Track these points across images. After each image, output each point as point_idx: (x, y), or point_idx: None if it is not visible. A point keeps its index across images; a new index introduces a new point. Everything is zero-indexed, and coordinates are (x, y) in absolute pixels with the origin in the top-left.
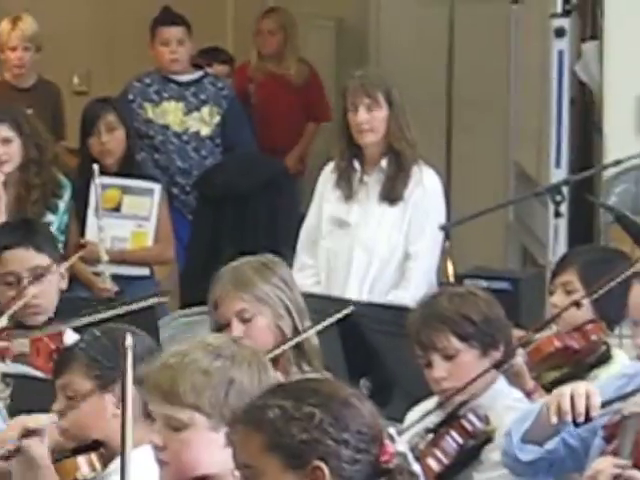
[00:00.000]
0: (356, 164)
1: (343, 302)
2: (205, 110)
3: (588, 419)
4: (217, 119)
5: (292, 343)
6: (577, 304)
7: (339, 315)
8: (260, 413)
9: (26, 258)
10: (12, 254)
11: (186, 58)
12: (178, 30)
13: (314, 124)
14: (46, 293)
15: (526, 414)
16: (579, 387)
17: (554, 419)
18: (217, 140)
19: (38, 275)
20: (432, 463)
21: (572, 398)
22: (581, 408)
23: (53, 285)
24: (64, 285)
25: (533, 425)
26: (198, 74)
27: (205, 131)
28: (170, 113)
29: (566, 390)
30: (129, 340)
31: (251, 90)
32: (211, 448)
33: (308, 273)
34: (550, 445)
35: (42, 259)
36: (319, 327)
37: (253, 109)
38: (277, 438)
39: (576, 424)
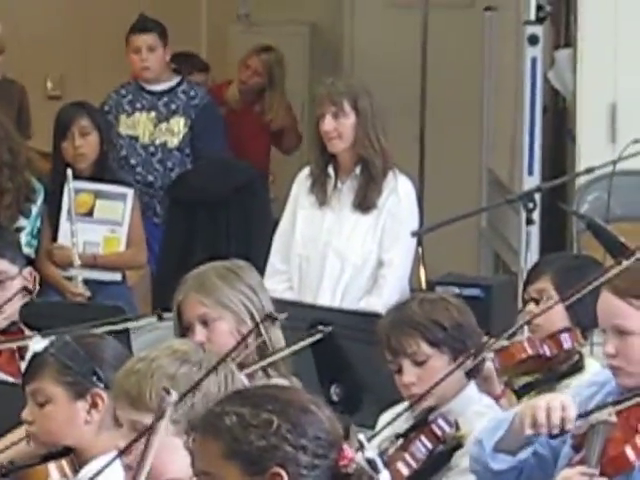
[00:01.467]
0: (330, 171)
1: (314, 308)
2: (173, 121)
3: (563, 431)
4: (185, 130)
5: (263, 363)
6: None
7: (313, 339)
8: (218, 420)
9: None
10: None
11: (158, 66)
12: (148, 37)
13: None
14: (5, 298)
15: (498, 423)
16: (555, 399)
17: (529, 431)
18: (186, 150)
19: None
20: (401, 467)
21: (547, 410)
22: (556, 421)
23: (14, 290)
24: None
25: (506, 435)
26: (175, 81)
27: (173, 143)
28: (141, 124)
29: (541, 402)
30: (171, 399)
31: (222, 112)
32: (175, 453)
33: (280, 279)
34: (523, 455)
35: (3, 265)
36: (293, 349)
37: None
38: (235, 445)
39: (551, 436)
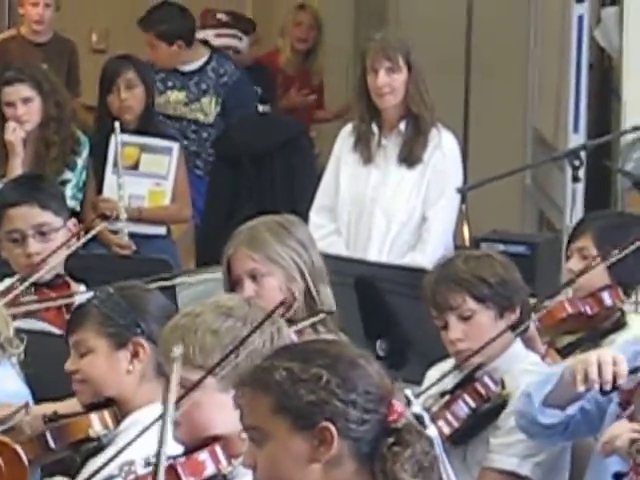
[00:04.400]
0: (374, 127)
1: (361, 264)
2: (204, 100)
3: (615, 387)
4: (217, 109)
5: (312, 321)
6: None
7: (314, 319)
8: (267, 375)
9: (31, 215)
10: (17, 211)
11: (171, 61)
12: (149, 36)
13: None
14: (51, 250)
15: (547, 377)
16: (606, 354)
17: (581, 387)
18: (220, 125)
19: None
20: (443, 426)
21: (599, 366)
22: (608, 376)
23: (59, 242)
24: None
25: (555, 389)
26: (204, 59)
27: (206, 120)
28: (172, 103)
29: (593, 357)
30: (177, 351)
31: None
32: (221, 409)
33: (321, 234)
34: (571, 410)
35: (47, 216)
36: (307, 323)
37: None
38: (284, 400)
39: (603, 392)
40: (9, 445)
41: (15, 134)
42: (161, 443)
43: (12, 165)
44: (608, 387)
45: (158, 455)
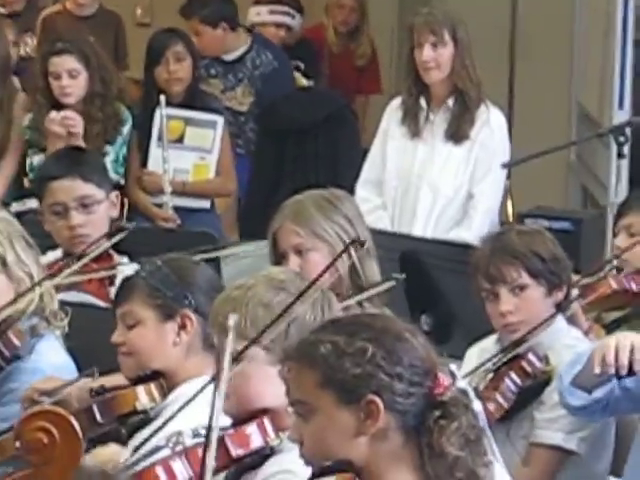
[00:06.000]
0: (422, 102)
1: (407, 239)
2: (239, 90)
3: (631, 372)
4: (251, 99)
5: (357, 299)
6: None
7: (382, 287)
8: (313, 349)
9: (73, 188)
10: (59, 184)
11: (217, 47)
12: (193, 23)
13: (364, 96)
14: (93, 222)
15: (578, 357)
16: (625, 339)
17: (597, 369)
18: (255, 112)
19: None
20: (493, 408)
21: (616, 350)
22: (624, 361)
23: (101, 214)
24: (115, 214)
25: (582, 371)
26: (243, 49)
27: (241, 108)
28: (210, 89)
29: (612, 342)
30: (232, 320)
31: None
32: (270, 382)
33: (367, 207)
34: (598, 393)
35: (89, 189)
36: (363, 297)
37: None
38: (330, 374)
39: (619, 376)
40: (64, 416)
41: (58, 127)
42: (213, 413)
43: (52, 147)
44: (623, 372)
45: (209, 427)
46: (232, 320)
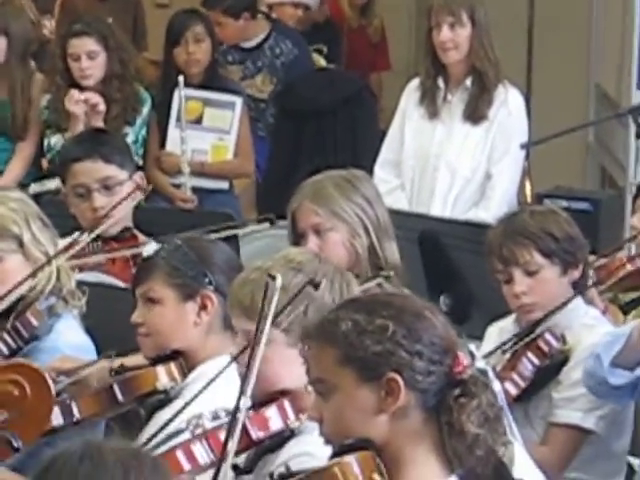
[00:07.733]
0: (440, 82)
1: (425, 219)
2: (259, 78)
3: None
4: (271, 87)
5: (372, 284)
6: None
7: (375, 281)
8: (333, 327)
9: (95, 169)
10: (81, 166)
11: (239, 37)
12: (215, 15)
13: (377, 74)
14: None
15: (616, 337)
16: None
17: None
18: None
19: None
20: (510, 387)
21: None
22: None
23: (124, 195)
24: (140, 196)
25: (623, 349)
26: (262, 37)
27: (261, 96)
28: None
29: None
30: (278, 283)
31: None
32: (289, 364)
33: (386, 188)
34: None
35: (111, 170)
36: (365, 287)
37: None
38: (350, 351)
39: None
40: (30, 366)
41: (78, 106)
42: (242, 388)
43: (73, 130)
44: None
45: (236, 407)
46: (279, 281)
